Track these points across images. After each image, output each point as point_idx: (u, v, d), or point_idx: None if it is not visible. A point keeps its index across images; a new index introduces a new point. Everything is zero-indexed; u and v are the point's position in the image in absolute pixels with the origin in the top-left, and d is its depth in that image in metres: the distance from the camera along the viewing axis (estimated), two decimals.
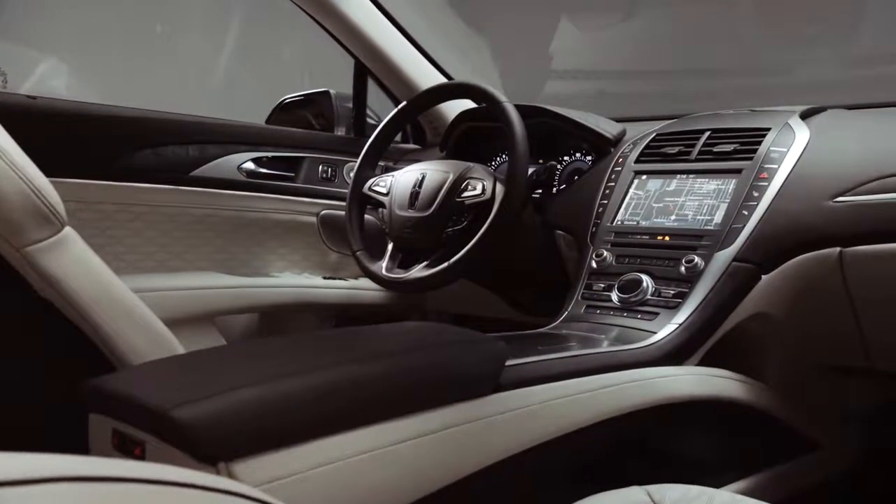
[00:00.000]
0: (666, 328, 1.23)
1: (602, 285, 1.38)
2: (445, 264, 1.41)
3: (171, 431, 0.72)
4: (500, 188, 1.44)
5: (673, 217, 1.39)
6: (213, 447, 0.71)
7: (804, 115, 1.44)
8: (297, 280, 1.84)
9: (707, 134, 1.46)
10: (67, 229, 1.01)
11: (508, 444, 0.95)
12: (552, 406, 1.00)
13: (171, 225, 1.68)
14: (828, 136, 1.36)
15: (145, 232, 1.65)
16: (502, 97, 1.48)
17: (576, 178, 1.68)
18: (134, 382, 0.81)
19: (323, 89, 2.08)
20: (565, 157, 1.72)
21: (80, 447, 0.82)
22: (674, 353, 1.21)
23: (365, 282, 1.83)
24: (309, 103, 2.12)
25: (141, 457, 0.75)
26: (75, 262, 0.99)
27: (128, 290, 1.07)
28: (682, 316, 1.24)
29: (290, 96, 2.17)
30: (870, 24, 1.89)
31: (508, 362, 0.99)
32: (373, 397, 0.83)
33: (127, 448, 0.77)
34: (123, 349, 1.03)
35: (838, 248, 1.25)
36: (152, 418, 0.73)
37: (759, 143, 1.37)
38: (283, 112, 2.15)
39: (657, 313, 1.27)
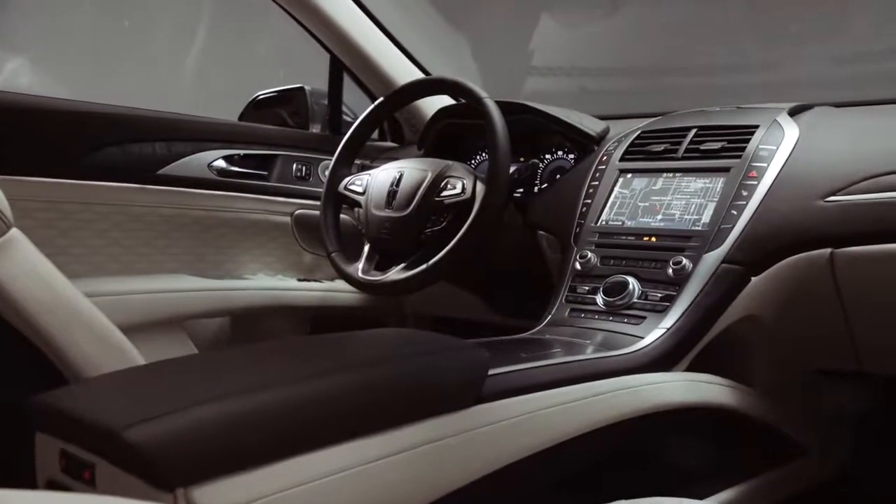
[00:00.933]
0: (653, 333, 1.19)
1: (587, 288, 1.33)
2: (424, 266, 1.37)
3: (123, 454, 0.65)
4: (480, 187, 1.40)
5: (659, 217, 1.35)
6: (169, 471, 0.65)
7: (792, 113, 1.41)
8: (270, 282, 1.79)
9: (694, 131, 1.43)
10: (13, 231, 0.94)
11: (491, 459, 0.90)
12: (537, 417, 0.95)
13: (138, 225, 1.62)
14: (817, 133, 1.33)
15: (110, 233, 1.58)
16: (482, 93, 1.44)
17: (558, 176, 1.64)
18: (84, 398, 0.74)
19: (298, 85, 2.03)
20: (547, 156, 1.68)
21: (26, 470, 0.75)
22: (662, 359, 1.17)
23: (341, 283, 1.79)
24: (283, 100, 2.07)
25: (90, 481, 0.69)
26: (22, 267, 0.92)
27: (81, 296, 1.00)
28: (669, 320, 1.20)
29: (263, 92, 2.11)
30: (855, 21, 1.87)
31: (491, 371, 0.93)
32: (345, 412, 0.77)
33: (75, 471, 0.70)
34: (76, 361, 0.96)
35: (829, 249, 1.22)
36: (102, 439, 0.67)
37: (748, 140, 1.34)
38: (256, 109, 2.09)
39: (644, 317, 1.23)
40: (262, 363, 0.83)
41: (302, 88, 2.00)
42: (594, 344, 1.19)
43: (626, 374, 1.10)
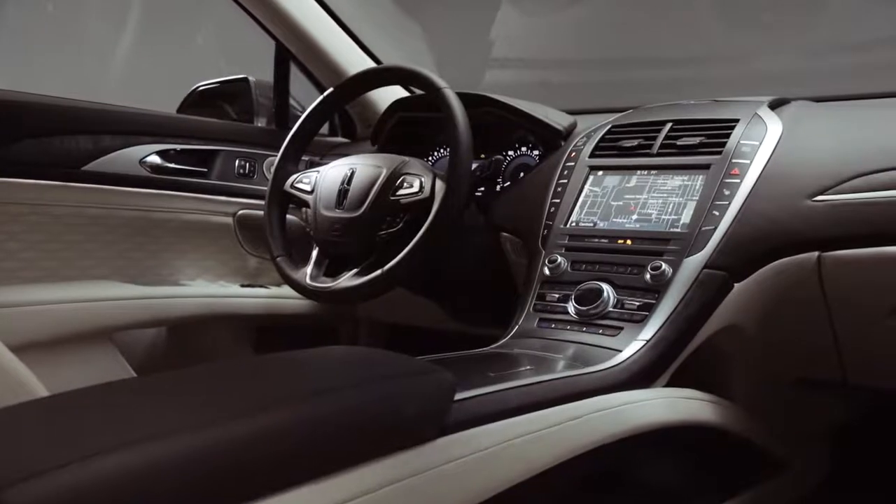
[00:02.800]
0: (632, 346, 1.09)
1: (556, 295, 1.23)
2: (378, 272, 1.27)
3: None
4: (440, 185, 1.30)
5: (634, 217, 1.26)
6: None
7: (772, 107, 1.33)
8: (210, 289, 1.68)
9: (669, 126, 1.34)
10: None
11: (460, 498, 0.78)
12: (510, 448, 0.83)
13: (60, 227, 1.48)
14: (802, 128, 1.25)
15: (26, 236, 1.42)
16: (442, 82, 1.35)
17: (521, 174, 1.54)
18: None
19: (241, 76, 1.90)
20: (509, 152, 1.58)
21: None
22: (642, 375, 1.07)
23: (289, 289, 1.64)
24: (226, 92, 1.95)
25: None
26: None
27: None
28: (649, 331, 1.11)
29: (204, 83, 1.98)
30: (828, 12, 1.80)
31: (457, 395, 0.81)
32: (286, 455, 0.64)
33: None
34: None
35: (817, 253, 1.14)
36: None
37: (728, 135, 1.26)
38: (196, 101, 1.96)
39: (621, 328, 1.13)
40: (183, 396, 0.70)
41: (245, 79, 1.89)
42: (567, 359, 1.08)
43: (604, 393, 0.99)
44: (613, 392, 1.01)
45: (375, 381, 0.76)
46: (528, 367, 1.00)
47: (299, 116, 1.54)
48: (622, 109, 1.51)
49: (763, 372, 1.28)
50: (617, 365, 1.06)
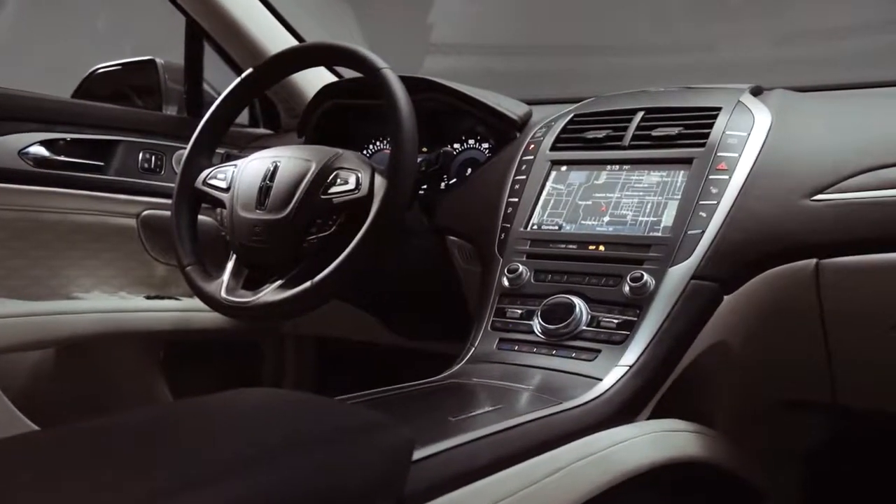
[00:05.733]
0: (612, 373, 0.94)
1: (518, 311, 1.07)
2: (307, 284, 1.10)
3: None
4: (380, 181, 1.14)
5: (607, 219, 1.10)
6: None
7: (753, 94, 1.20)
8: (109, 302, 1.48)
9: (640, 115, 1.20)
10: None
11: None
12: None
13: None
14: (794, 118, 1.13)
15: None
16: (380, 62, 1.18)
17: (469, 170, 1.38)
18: None
19: (147, 58, 1.71)
20: (455, 145, 1.42)
21: None
22: (625, 408, 0.92)
23: None
24: (130, 75, 1.75)
25: None
26: None
27: None
28: (631, 355, 0.96)
29: (103, 65, 1.77)
30: None
31: (415, 454, 0.63)
32: None
33: None
34: None
35: (815, 260, 1.02)
36: None
37: (710, 125, 1.12)
38: (95, 86, 1.75)
39: (597, 350, 0.98)
40: (60, 471, 0.49)
41: (152, 61, 1.70)
42: (537, 390, 0.91)
43: (585, 435, 0.83)
44: (596, 432, 0.85)
45: (309, 447, 0.56)
46: (495, 407, 0.82)
47: None
48: (576, 100, 1.36)
49: (745, 394, 1.16)
50: (597, 398, 0.90)
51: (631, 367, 0.94)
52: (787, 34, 1.63)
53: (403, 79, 1.17)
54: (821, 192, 1.01)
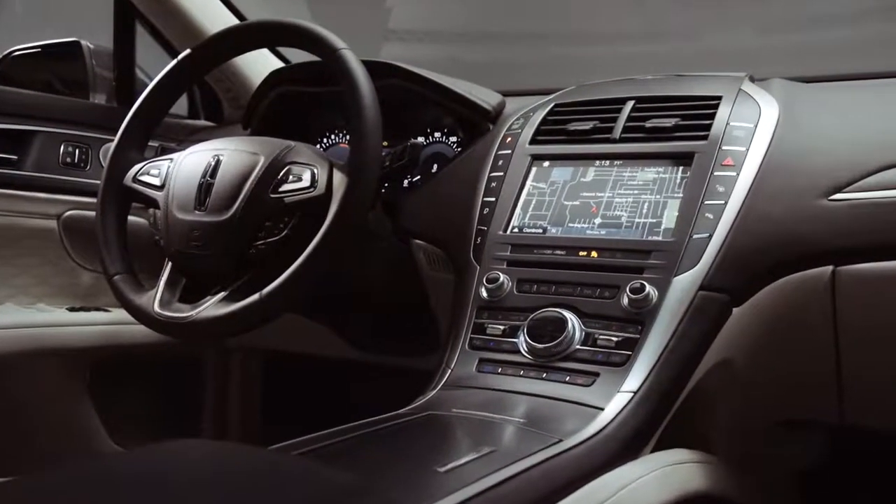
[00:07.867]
0: (615, 401, 0.83)
1: (501, 327, 0.95)
2: (255, 297, 1.00)
3: None
4: (339, 178, 1.03)
5: (598, 221, 0.99)
6: None
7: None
8: (24, 316, 1.38)
9: (631, 104, 1.09)
10: None
11: None
12: None
13: None
14: (803, 109, 1.04)
15: None
16: (339, 42, 1.07)
17: (435, 166, 1.29)
18: None
19: (71, 39, 1.59)
20: (419, 138, 1.32)
21: None
22: (631, 442, 0.81)
23: None
24: (53, 58, 1.64)
25: None
26: None
27: None
28: (634, 379, 0.85)
29: (20, 48, 1.67)
30: None
31: None
32: None
33: None
34: None
35: (831, 267, 0.93)
36: None
37: (712, 115, 1.03)
38: (9, 71, 1.62)
39: (595, 374, 0.87)
40: None
41: (77, 43, 1.59)
42: (531, 424, 0.79)
43: (589, 480, 0.71)
44: (602, 474, 0.73)
45: None
46: (486, 451, 0.69)
47: None
48: (549, 91, 1.26)
49: (745, 415, 1.06)
50: (600, 431, 0.78)
51: (635, 393, 0.83)
52: (769, 23, 1.57)
53: (363, 63, 1.06)
54: (839, 190, 0.93)
